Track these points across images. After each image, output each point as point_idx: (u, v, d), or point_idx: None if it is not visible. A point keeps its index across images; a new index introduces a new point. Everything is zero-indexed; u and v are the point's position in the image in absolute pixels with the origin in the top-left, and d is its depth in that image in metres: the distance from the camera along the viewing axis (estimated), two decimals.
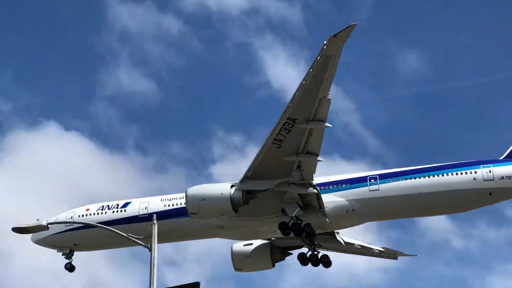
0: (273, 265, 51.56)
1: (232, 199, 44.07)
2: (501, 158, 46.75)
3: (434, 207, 47.28)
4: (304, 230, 45.72)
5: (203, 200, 44.11)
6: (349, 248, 52.47)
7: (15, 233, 31.75)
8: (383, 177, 46.88)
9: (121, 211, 48.93)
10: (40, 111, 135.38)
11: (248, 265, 51.73)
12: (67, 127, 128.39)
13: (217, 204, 44.25)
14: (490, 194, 45.87)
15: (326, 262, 50.17)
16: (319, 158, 43.31)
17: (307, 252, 50.33)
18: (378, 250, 53.18)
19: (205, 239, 52.18)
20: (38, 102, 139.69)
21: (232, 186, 44.77)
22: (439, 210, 48.73)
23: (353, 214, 46.85)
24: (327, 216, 46.30)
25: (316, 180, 46.02)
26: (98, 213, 49.57)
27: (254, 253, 51.10)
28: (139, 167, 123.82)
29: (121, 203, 49.84)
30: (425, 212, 49.62)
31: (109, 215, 48.97)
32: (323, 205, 45.71)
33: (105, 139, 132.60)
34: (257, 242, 50.72)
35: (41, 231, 32.37)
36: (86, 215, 49.51)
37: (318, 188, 45.64)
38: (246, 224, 47.45)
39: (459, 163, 47.08)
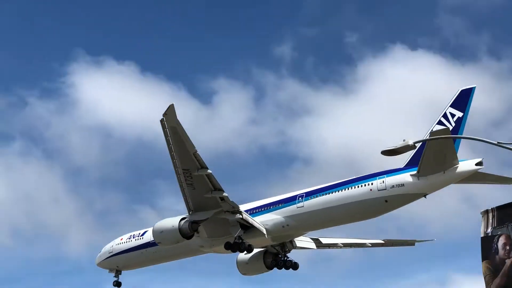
0: (270, 269, 60.63)
1: (180, 230, 53.78)
2: (402, 166, 51.93)
3: (345, 217, 53.86)
4: (245, 247, 54.84)
5: (161, 232, 54.92)
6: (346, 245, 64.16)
7: (384, 155, 32.15)
8: (308, 195, 54.13)
9: (140, 238, 61.50)
10: (385, 37, 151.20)
11: (248, 270, 61.64)
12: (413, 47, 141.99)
13: (171, 235, 54.46)
14: (386, 201, 51.20)
15: (293, 264, 60.89)
16: (224, 194, 52.27)
17: (280, 258, 60.92)
18: (370, 243, 63.80)
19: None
20: (382, 28, 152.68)
21: (182, 219, 54.34)
22: (349, 219, 54.70)
23: (288, 228, 55.17)
24: (266, 232, 54.97)
25: (260, 202, 56.87)
26: (126, 242, 62.30)
27: (251, 260, 60.79)
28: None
29: (142, 231, 61.93)
30: (340, 222, 55.45)
31: (133, 243, 61.76)
32: (255, 225, 54.43)
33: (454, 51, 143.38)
34: (255, 251, 58.74)
35: (409, 150, 31.78)
36: (119, 243, 62.48)
37: (267, 205, 56.36)
38: (217, 243, 56.90)
39: (361, 177, 53.16)
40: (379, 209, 52.29)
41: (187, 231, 54.12)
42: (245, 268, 61.62)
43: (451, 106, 51.81)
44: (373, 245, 63.83)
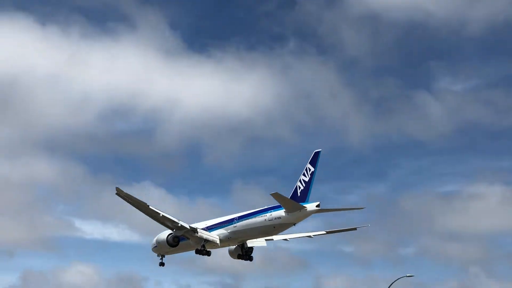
0: (239, 258, 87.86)
1: (167, 242, 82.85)
2: None
3: (256, 234, 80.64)
4: (206, 253, 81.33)
5: (158, 243, 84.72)
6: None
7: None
8: (240, 218, 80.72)
9: None
10: None
11: (232, 256, 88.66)
12: None
13: (163, 244, 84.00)
14: (274, 227, 78.34)
15: (249, 257, 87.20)
16: (180, 224, 78.97)
17: (243, 254, 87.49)
18: (311, 235, 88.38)
19: None
20: None
21: (169, 234, 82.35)
22: (259, 235, 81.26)
23: (231, 239, 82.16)
24: (218, 242, 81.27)
25: (216, 220, 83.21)
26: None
27: (232, 252, 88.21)
28: None
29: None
30: (255, 237, 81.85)
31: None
32: (210, 239, 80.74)
33: None
34: (234, 246, 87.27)
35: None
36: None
37: (216, 225, 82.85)
38: (196, 246, 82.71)
39: (264, 209, 79.12)
40: (271, 231, 79.52)
41: (172, 242, 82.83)
42: (231, 255, 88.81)
43: (309, 163, 78.63)
44: (316, 235, 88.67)
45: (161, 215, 76.55)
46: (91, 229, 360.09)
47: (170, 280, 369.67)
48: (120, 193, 71.35)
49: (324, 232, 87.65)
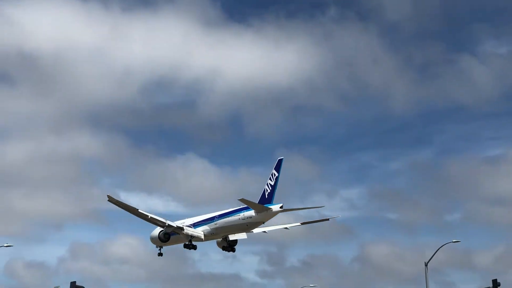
0: (223, 250, 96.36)
1: (159, 238, 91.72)
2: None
3: (234, 230, 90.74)
4: (192, 247, 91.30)
5: (152, 238, 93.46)
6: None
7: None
8: (220, 216, 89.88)
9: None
10: None
11: (219, 247, 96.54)
12: None
13: (155, 240, 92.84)
14: (247, 225, 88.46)
15: (232, 249, 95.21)
16: (167, 223, 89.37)
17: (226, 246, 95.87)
18: (287, 227, 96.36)
19: None
20: None
21: (161, 231, 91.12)
22: (236, 231, 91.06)
23: (213, 234, 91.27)
24: (203, 237, 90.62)
25: (202, 217, 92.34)
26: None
27: (219, 243, 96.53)
28: None
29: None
30: (232, 232, 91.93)
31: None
32: (195, 234, 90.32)
33: None
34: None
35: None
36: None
37: (199, 222, 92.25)
38: (184, 241, 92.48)
39: (239, 209, 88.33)
40: (245, 228, 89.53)
41: (163, 238, 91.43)
42: (218, 246, 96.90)
43: (274, 169, 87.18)
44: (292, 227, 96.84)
45: (149, 217, 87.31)
46: (137, 201, 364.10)
47: (215, 250, 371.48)
48: (111, 200, 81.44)
49: (299, 224, 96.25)
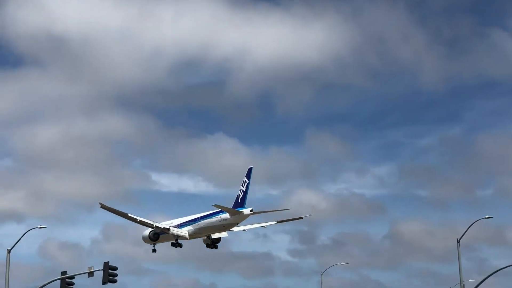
0: (208, 247, 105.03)
1: (149, 237, 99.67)
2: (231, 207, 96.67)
3: (214, 231, 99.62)
4: (178, 245, 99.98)
5: (143, 238, 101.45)
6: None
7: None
8: (201, 218, 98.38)
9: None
10: None
11: (204, 243, 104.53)
12: None
13: (146, 239, 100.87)
14: (223, 226, 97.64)
15: (215, 246, 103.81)
16: (155, 224, 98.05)
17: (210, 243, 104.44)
18: (264, 225, 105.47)
19: None
20: None
21: (151, 231, 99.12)
22: (215, 232, 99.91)
23: (197, 234, 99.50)
24: (187, 236, 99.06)
25: (186, 218, 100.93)
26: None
27: (204, 241, 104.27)
28: None
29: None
30: (213, 232, 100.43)
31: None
32: (180, 234, 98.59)
33: None
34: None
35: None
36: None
37: (184, 223, 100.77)
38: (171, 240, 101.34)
39: (217, 211, 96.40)
40: (222, 228, 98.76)
41: (152, 238, 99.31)
42: (204, 242, 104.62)
43: (245, 176, 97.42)
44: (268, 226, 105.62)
45: (138, 220, 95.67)
46: (168, 182, 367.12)
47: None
48: (103, 207, 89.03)
49: (275, 222, 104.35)
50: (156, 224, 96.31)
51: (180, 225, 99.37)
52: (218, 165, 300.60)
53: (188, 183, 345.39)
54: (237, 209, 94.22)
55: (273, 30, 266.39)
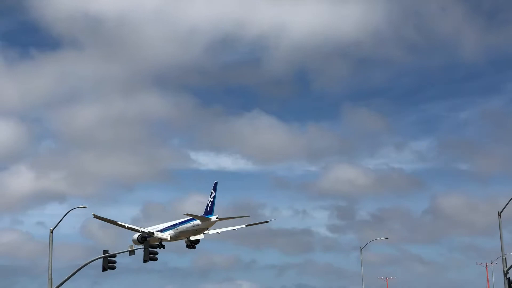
0: (188, 248, 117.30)
1: (138, 240, 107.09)
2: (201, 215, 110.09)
3: (189, 234, 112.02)
4: (162, 246, 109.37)
5: (133, 240, 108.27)
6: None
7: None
8: (180, 223, 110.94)
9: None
10: None
11: (186, 243, 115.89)
12: None
13: (135, 242, 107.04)
14: (197, 230, 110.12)
15: (193, 247, 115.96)
16: (140, 230, 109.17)
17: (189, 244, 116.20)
18: (235, 228, 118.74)
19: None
20: None
21: (139, 235, 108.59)
22: (191, 235, 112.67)
23: (177, 237, 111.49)
24: (169, 239, 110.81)
25: (167, 224, 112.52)
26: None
27: (185, 240, 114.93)
28: None
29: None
30: (188, 235, 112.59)
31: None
32: (163, 237, 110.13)
33: None
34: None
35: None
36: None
37: (166, 228, 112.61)
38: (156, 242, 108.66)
39: (192, 218, 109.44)
40: (196, 232, 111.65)
41: (140, 240, 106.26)
42: (185, 243, 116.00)
43: (212, 189, 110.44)
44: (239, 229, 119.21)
45: (126, 226, 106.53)
46: (206, 160, 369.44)
47: (286, 205, 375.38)
48: (96, 217, 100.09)
49: (245, 226, 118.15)
50: (142, 229, 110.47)
51: (163, 230, 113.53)
52: (256, 142, 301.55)
53: (226, 161, 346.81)
54: (206, 216, 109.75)
55: (310, 5, 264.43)
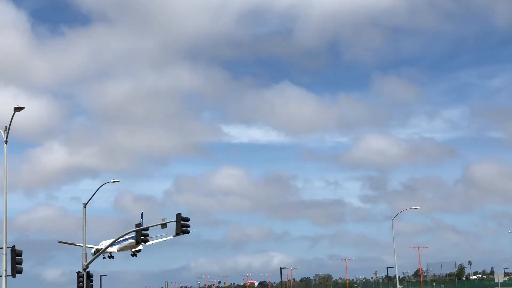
0: (132, 256, 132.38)
1: (93, 253, 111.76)
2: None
3: (130, 247, 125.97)
4: (112, 257, 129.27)
5: (91, 253, 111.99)
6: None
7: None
8: (125, 239, 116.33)
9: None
10: None
11: (131, 254, 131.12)
12: None
13: (92, 254, 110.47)
14: (133, 243, 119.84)
15: (135, 255, 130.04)
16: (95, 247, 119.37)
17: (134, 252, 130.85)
18: (165, 239, 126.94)
19: None
20: None
21: (95, 250, 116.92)
22: (132, 247, 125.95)
23: (123, 249, 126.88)
24: (116, 251, 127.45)
25: (111, 240, 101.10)
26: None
27: (131, 253, 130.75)
28: None
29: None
30: (132, 248, 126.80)
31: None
32: (111, 251, 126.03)
33: None
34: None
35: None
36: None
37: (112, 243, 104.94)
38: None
39: (130, 236, 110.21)
40: (133, 246, 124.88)
41: (94, 253, 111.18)
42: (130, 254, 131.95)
43: (140, 217, 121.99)
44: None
45: (83, 246, 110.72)
46: (238, 133, 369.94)
47: (318, 177, 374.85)
48: (61, 242, 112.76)
49: (172, 236, 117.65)
50: (95, 247, 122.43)
51: (113, 243, 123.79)
52: (288, 114, 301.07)
53: (258, 133, 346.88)
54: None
55: None
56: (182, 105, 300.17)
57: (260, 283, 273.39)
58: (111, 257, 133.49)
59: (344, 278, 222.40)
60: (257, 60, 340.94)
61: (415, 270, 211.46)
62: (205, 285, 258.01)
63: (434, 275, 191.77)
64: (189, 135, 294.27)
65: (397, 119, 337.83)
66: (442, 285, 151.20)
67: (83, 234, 61.03)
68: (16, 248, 47.79)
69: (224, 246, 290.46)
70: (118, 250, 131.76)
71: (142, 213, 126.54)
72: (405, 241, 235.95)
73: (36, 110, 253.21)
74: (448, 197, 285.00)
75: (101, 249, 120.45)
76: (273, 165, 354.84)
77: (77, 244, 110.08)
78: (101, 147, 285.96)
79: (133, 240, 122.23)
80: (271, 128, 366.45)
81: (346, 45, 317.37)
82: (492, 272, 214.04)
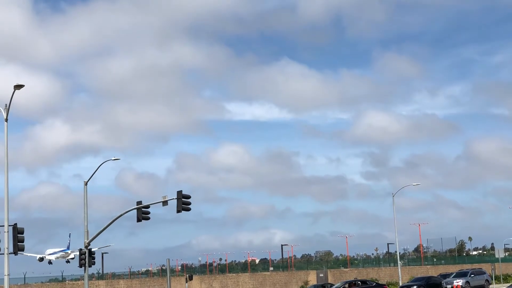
0: None
1: (39, 259, 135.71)
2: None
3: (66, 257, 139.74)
4: (51, 262, 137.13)
5: (37, 259, 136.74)
6: None
7: None
8: (62, 250, 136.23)
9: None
10: None
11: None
12: None
13: (38, 260, 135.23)
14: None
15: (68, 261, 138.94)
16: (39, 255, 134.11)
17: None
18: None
19: None
20: None
21: (39, 257, 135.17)
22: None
23: (59, 258, 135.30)
24: (54, 259, 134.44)
25: (57, 249, 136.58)
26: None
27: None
28: None
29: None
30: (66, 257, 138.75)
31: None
32: (51, 259, 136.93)
33: None
34: None
35: None
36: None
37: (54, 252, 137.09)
38: None
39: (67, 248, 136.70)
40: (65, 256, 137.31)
41: (40, 260, 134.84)
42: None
43: (68, 236, 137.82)
44: None
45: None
46: (240, 110, 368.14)
47: (320, 154, 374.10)
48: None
49: (111, 245, 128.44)
50: (39, 255, 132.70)
51: (52, 254, 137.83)
52: (290, 91, 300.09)
53: (259, 111, 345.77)
54: (66, 250, 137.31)
55: None
56: (184, 82, 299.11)
57: (261, 260, 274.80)
58: (50, 262, 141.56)
59: (344, 255, 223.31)
60: (260, 37, 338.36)
61: (416, 246, 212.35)
62: (206, 262, 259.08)
63: (435, 251, 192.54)
64: (191, 112, 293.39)
65: (399, 95, 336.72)
66: (443, 261, 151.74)
67: (84, 212, 61.05)
68: (18, 226, 47.83)
69: (226, 223, 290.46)
70: (55, 258, 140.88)
71: (70, 233, 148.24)
72: (406, 218, 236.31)
73: (38, 87, 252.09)
74: (449, 173, 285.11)
75: (44, 256, 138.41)
76: (274, 142, 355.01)
77: (39, 256, 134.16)
78: (102, 125, 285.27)
79: (65, 253, 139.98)
80: (273, 105, 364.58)
81: (350, 20, 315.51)
82: (492, 248, 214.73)
